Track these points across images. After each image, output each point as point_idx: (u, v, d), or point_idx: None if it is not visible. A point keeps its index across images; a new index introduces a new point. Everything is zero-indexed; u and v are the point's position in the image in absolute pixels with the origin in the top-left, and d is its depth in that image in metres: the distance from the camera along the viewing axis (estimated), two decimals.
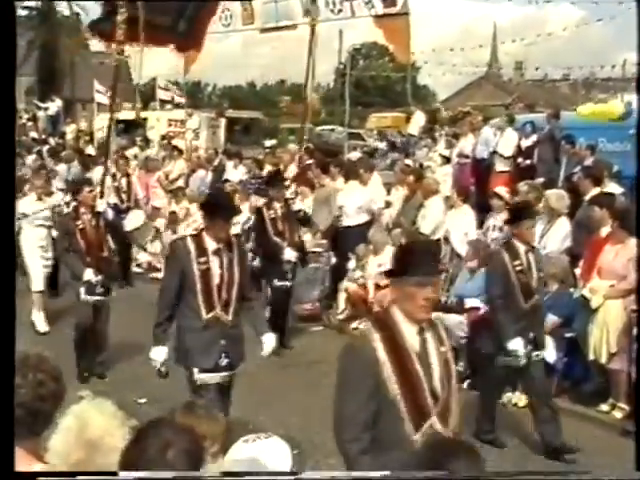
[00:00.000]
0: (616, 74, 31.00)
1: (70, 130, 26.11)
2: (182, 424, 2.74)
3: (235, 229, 11.92)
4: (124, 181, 13.14)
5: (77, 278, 8.54)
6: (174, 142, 20.04)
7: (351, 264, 10.21)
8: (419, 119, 20.20)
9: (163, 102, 25.87)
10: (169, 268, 6.19)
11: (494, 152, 13.91)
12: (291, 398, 8.01)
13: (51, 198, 10.84)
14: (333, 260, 10.97)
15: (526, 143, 13.65)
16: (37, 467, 2.77)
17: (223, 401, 5.83)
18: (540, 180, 11.52)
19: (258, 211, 10.10)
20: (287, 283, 9.60)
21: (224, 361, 5.77)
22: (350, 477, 2.10)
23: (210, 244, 5.78)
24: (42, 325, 10.05)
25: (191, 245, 5.80)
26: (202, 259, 5.71)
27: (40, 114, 27.65)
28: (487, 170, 14.18)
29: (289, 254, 9.46)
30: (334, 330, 10.33)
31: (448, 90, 55.20)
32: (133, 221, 12.93)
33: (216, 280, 5.77)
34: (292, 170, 14.49)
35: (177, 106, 24.82)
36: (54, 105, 27.90)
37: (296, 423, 7.12)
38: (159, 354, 5.90)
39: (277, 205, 9.65)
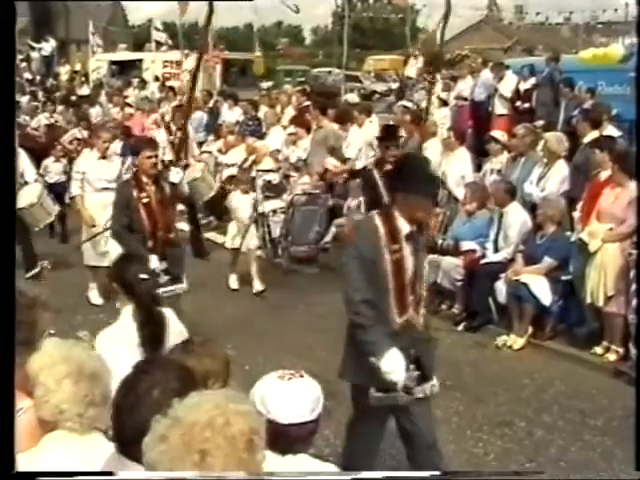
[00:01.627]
0: (618, 17, 30.67)
1: (64, 71, 25.81)
2: (176, 363, 2.76)
3: (231, 170, 11.88)
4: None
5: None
6: (169, 83, 19.85)
7: (348, 202, 10.13)
8: (417, 61, 20.05)
9: (159, 44, 25.54)
10: (358, 253, 4.58)
11: (493, 95, 13.84)
12: (287, 338, 8.04)
13: (115, 159, 9.53)
14: (330, 202, 10.92)
15: (525, 86, 13.59)
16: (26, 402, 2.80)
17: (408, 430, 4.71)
18: (539, 123, 11.44)
19: (368, 172, 8.66)
20: None
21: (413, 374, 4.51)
22: (350, 477, 2.11)
23: (403, 226, 4.54)
24: (96, 299, 9.17)
25: (381, 226, 4.56)
26: (395, 246, 4.51)
27: (34, 55, 27.30)
28: (485, 113, 14.13)
29: None
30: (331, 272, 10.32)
31: (447, 33, 54.35)
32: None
33: (409, 273, 4.56)
34: (289, 112, 14.40)
35: (172, 47, 24.51)
36: (48, 46, 27.55)
37: (294, 363, 7.15)
38: (396, 361, 4.40)
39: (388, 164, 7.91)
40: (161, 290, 5.89)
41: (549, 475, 5.55)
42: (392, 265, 4.50)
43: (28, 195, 9.46)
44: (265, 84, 24.18)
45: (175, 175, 7.38)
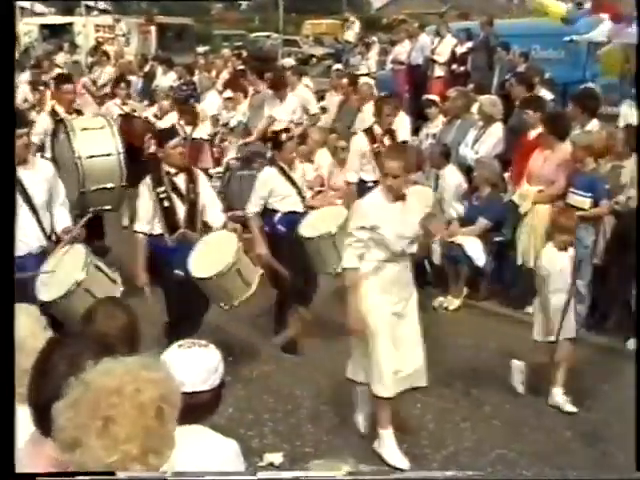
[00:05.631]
0: None
1: None
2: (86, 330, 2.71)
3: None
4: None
5: None
6: (103, 48, 19.43)
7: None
8: (355, 26, 19.97)
9: (89, 8, 24.99)
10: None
11: (430, 59, 13.90)
12: None
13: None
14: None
15: (461, 50, 13.66)
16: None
17: None
18: (471, 86, 11.51)
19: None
20: None
21: None
22: (350, 477, 2.08)
23: None
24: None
25: None
26: None
27: None
28: (423, 77, 14.17)
29: None
30: None
31: None
32: None
33: None
34: (224, 76, 14.22)
35: (103, 12, 24.00)
36: None
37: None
38: None
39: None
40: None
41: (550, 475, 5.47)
42: None
43: None
44: (202, 48, 23.89)
45: None
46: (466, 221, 8.29)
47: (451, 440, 5.56)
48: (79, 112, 8.57)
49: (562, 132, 7.61)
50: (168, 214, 6.13)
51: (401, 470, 5.04)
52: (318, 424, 5.78)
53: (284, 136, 7.00)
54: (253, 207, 6.99)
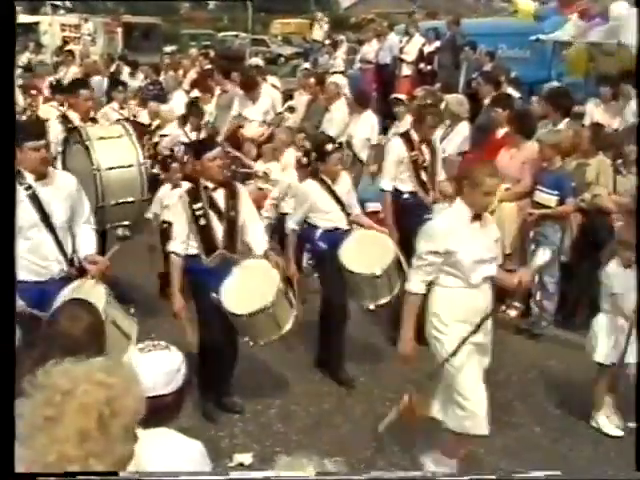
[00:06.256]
0: None
1: None
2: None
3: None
4: None
5: None
6: (69, 47, 19.27)
7: (258, 166, 10.00)
8: (323, 25, 19.99)
9: (55, 7, 24.79)
10: None
11: (398, 58, 13.96)
12: None
13: None
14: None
15: (428, 49, 13.73)
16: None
17: None
18: (438, 85, 11.57)
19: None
20: None
21: None
22: (350, 477, 2.08)
23: None
24: None
25: None
26: None
27: None
28: (390, 76, 14.22)
29: None
30: None
31: None
32: None
33: None
34: (191, 76, 14.15)
35: (70, 11, 23.83)
36: None
37: None
38: None
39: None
40: None
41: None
42: None
43: None
44: (169, 48, 23.77)
45: None
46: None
47: None
48: (94, 120, 7.78)
49: (528, 131, 7.68)
50: (205, 233, 5.52)
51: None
52: (289, 424, 5.77)
53: (330, 146, 6.33)
54: (293, 223, 6.44)
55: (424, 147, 7.01)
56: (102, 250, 5.61)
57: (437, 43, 13.78)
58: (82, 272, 4.99)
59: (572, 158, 7.57)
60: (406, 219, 6.68)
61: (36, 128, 5.42)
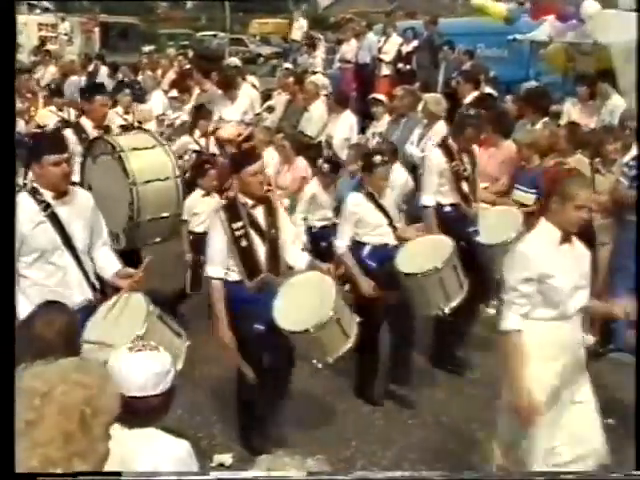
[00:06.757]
0: None
1: None
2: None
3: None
4: None
5: None
6: (46, 47, 19.17)
7: None
8: (302, 25, 19.98)
9: (31, 6, 24.64)
10: None
11: (377, 57, 13.99)
12: None
13: None
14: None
15: (407, 49, 13.77)
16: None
17: None
18: (417, 85, 11.61)
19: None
20: None
21: None
22: (349, 477, 2.07)
23: None
24: None
25: None
26: None
27: None
28: (370, 76, 14.25)
29: None
30: None
31: None
32: None
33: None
34: (170, 76, 14.10)
35: (46, 10, 23.70)
36: None
37: None
38: None
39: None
40: None
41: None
42: None
43: None
44: (147, 48, 23.68)
45: None
46: (414, 218, 8.32)
47: None
48: (107, 128, 7.10)
49: (506, 130, 7.72)
50: (247, 255, 5.02)
51: None
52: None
53: (378, 158, 6.00)
54: (343, 240, 5.96)
55: (464, 156, 6.66)
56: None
57: (415, 43, 13.82)
58: (106, 297, 4.63)
59: (550, 157, 7.61)
60: (448, 234, 6.15)
61: (56, 140, 4.94)
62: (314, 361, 4.99)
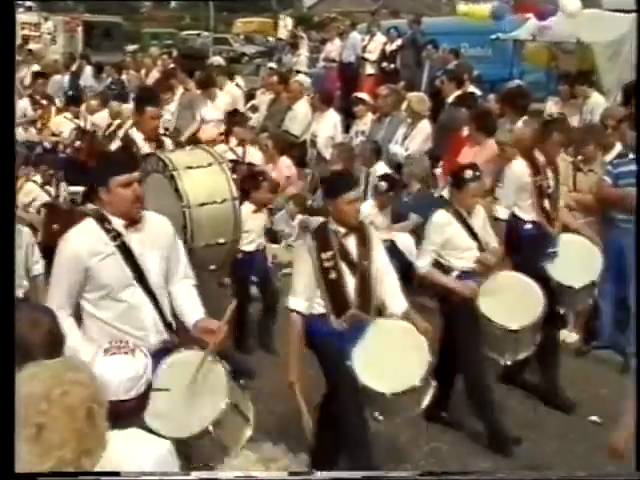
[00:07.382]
0: None
1: None
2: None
3: None
4: None
5: None
6: (29, 46, 19.06)
7: None
8: (287, 24, 19.97)
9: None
10: None
11: (361, 57, 14.01)
12: None
13: None
14: None
15: (391, 48, 13.78)
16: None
17: None
18: (401, 84, 11.64)
19: None
20: None
21: None
22: (346, 476, 2.07)
23: None
24: None
25: None
26: None
27: None
28: (354, 75, 14.25)
29: None
30: None
31: None
32: None
33: None
34: (153, 75, 14.06)
35: (29, 9, 23.57)
36: None
37: None
38: None
39: None
40: None
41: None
42: None
43: None
44: (131, 47, 23.61)
45: None
46: (397, 217, 8.34)
47: None
48: (159, 142, 6.36)
49: (490, 128, 7.72)
50: (335, 288, 4.60)
51: None
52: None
53: (469, 173, 5.35)
54: (425, 260, 5.42)
55: (549, 170, 6.12)
56: None
57: (399, 42, 13.83)
58: (183, 339, 4.11)
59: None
60: (527, 254, 5.79)
61: (124, 157, 4.51)
62: (376, 413, 4.50)
